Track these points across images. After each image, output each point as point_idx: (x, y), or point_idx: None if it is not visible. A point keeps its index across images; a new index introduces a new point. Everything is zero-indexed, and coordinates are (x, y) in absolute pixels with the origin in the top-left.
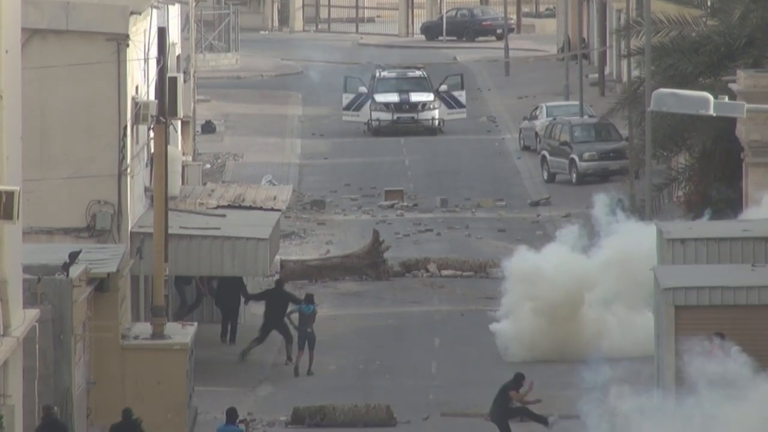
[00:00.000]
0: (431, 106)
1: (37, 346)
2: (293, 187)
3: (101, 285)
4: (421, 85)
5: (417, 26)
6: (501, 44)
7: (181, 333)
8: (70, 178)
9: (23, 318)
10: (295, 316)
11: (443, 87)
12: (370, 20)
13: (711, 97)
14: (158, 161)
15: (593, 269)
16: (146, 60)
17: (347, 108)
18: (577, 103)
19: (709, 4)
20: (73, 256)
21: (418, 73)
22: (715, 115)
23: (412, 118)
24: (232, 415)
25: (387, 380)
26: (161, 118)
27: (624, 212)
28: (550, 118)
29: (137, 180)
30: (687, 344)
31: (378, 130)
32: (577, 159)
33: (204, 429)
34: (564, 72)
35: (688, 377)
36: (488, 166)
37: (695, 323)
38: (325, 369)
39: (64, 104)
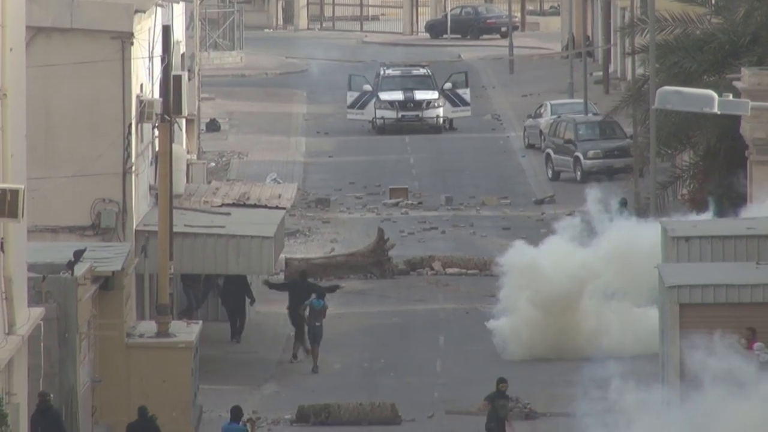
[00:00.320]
0: (436, 104)
1: (42, 345)
2: (298, 186)
3: (106, 283)
4: (425, 83)
5: (421, 24)
6: (505, 42)
7: (186, 331)
8: (74, 177)
9: (28, 316)
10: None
11: (448, 85)
12: (375, 18)
13: (715, 95)
14: (163, 159)
15: (593, 263)
16: (151, 58)
17: (352, 106)
18: (582, 101)
19: (713, 2)
20: (78, 255)
21: (422, 71)
22: (719, 113)
23: (417, 116)
24: (236, 413)
25: (392, 378)
26: (166, 116)
27: (621, 211)
28: (555, 116)
29: (142, 178)
30: (702, 341)
31: (383, 128)
32: (581, 157)
33: (209, 427)
34: (568, 70)
35: (695, 374)
36: (493, 164)
37: (700, 321)
38: (330, 367)
39: (69, 102)
